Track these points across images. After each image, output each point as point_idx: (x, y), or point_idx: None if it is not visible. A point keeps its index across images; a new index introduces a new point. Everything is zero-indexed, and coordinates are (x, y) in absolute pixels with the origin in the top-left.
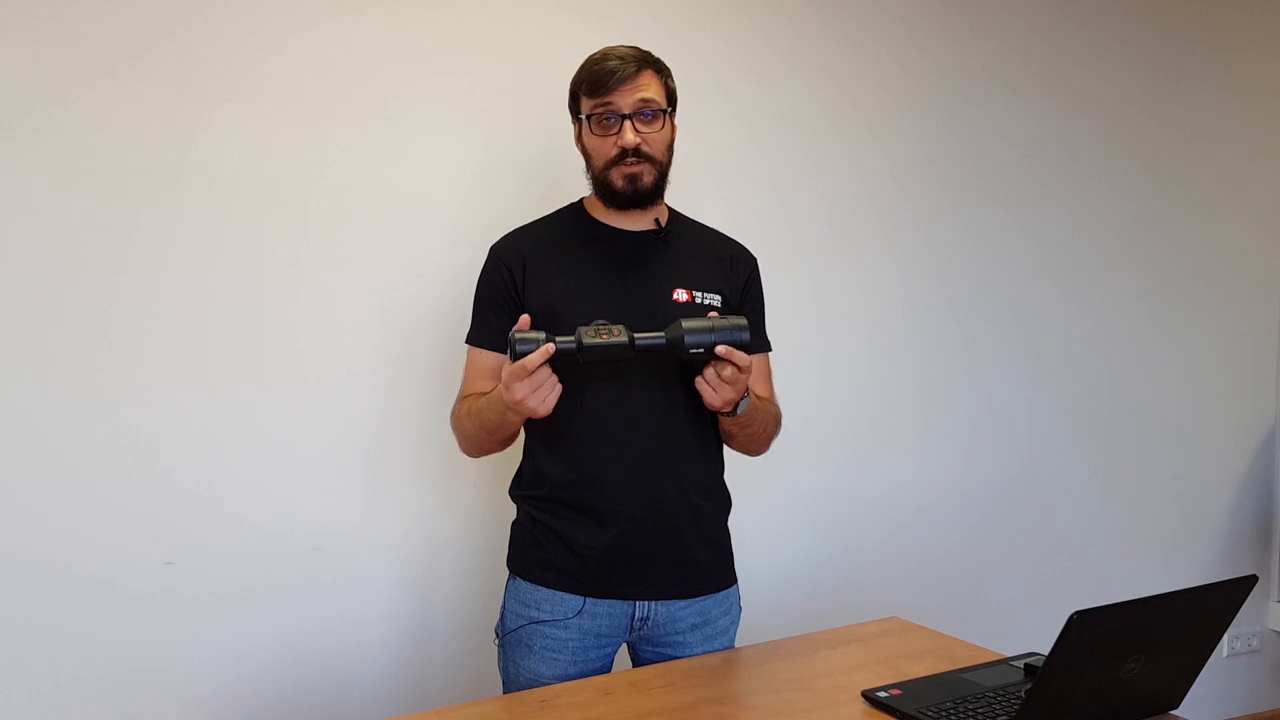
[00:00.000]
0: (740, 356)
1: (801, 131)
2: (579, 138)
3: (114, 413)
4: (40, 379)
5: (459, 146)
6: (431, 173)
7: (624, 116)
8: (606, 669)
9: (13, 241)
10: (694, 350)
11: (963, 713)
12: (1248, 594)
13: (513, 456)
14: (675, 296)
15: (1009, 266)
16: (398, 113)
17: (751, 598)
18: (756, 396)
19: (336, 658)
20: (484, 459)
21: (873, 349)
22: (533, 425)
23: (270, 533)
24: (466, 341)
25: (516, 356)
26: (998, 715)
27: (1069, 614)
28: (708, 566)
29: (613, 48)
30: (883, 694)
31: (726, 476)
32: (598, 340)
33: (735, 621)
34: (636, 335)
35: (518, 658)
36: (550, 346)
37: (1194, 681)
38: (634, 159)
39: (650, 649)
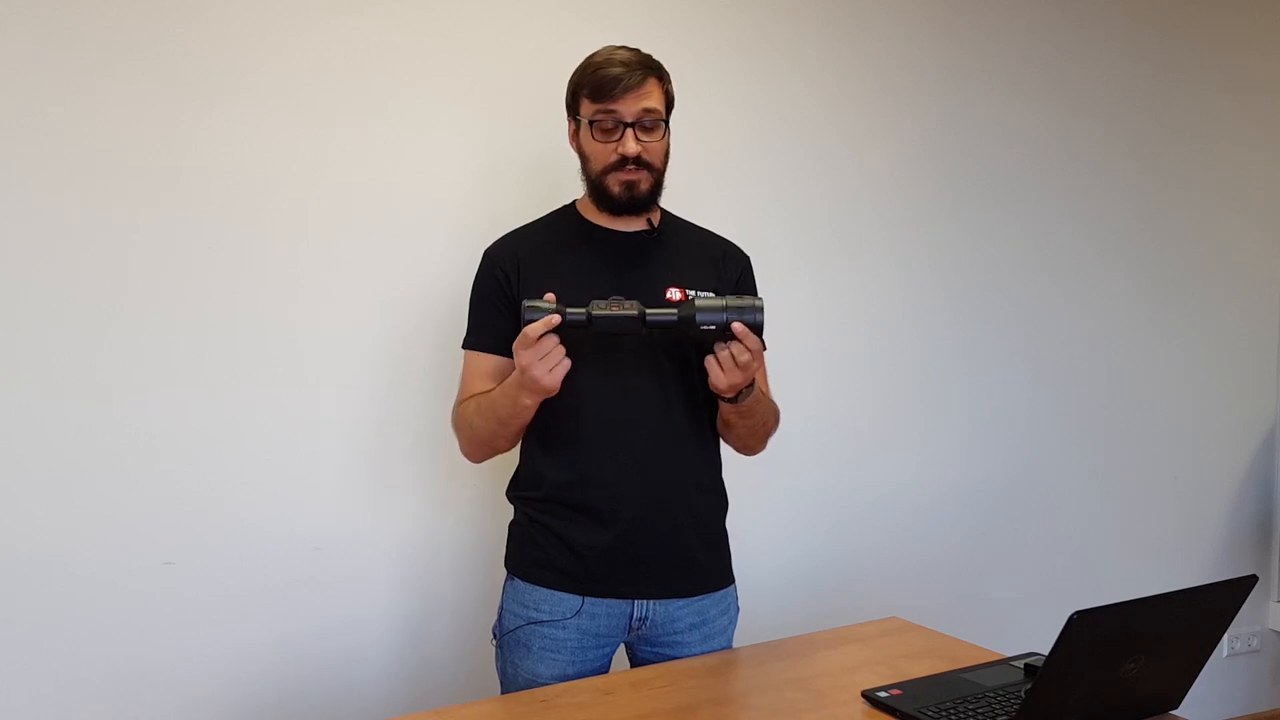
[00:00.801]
0: (753, 340)
1: (801, 131)
2: (574, 136)
3: (114, 413)
4: (40, 379)
5: (459, 146)
6: (431, 173)
7: (627, 125)
8: (605, 669)
9: (13, 241)
10: (705, 327)
11: (963, 713)
12: (1248, 594)
13: (511, 457)
14: (669, 295)
15: (1009, 266)
16: (398, 113)
17: (751, 598)
18: (758, 390)
19: (336, 658)
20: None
21: (873, 349)
22: (530, 427)
23: (270, 533)
24: (463, 346)
25: (525, 324)
26: (998, 715)
27: (1069, 614)
28: (707, 566)
29: (615, 50)
30: (883, 694)
31: (726, 476)
32: (608, 312)
33: (733, 621)
34: (649, 310)
35: (516, 658)
36: (555, 317)
37: (1194, 681)
38: (633, 166)
39: (649, 649)
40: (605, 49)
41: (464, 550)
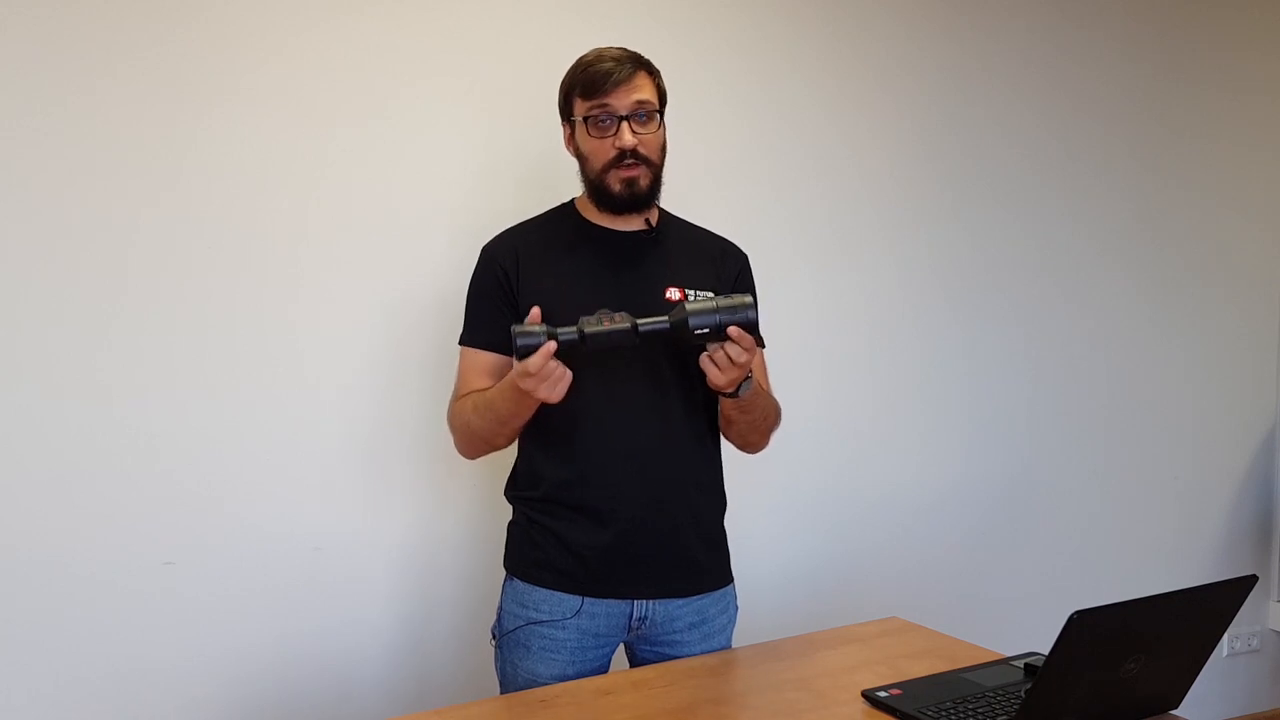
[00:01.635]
0: (748, 340)
1: (801, 131)
2: (570, 140)
3: (114, 413)
4: (40, 379)
5: (459, 146)
6: (431, 173)
7: (621, 118)
8: (604, 669)
9: (13, 241)
10: (699, 332)
11: (963, 713)
12: (1248, 594)
13: (510, 457)
14: (668, 295)
15: (1009, 266)
16: (398, 113)
17: (751, 598)
18: (757, 383)
19: (336, 658)
20: (482, 459)
21: (873, 349)
22: (529, 426)
23: (270, 533)
24: (460, 343)
25: (520, 354)
26: (998, 715)
27: (1069, 614)
28: (706, 565)
29: (604, 49)
30: (883, 694)
31: (727, 476)
32: (600, 329)
33: (732, 621)
34: (640, 321)
35: (515, 658)
36: (551, 345)
37: (1194, 681)
38: (631, 160)
39: (648, 648)
40: (594, 50)
41: (463, 550)
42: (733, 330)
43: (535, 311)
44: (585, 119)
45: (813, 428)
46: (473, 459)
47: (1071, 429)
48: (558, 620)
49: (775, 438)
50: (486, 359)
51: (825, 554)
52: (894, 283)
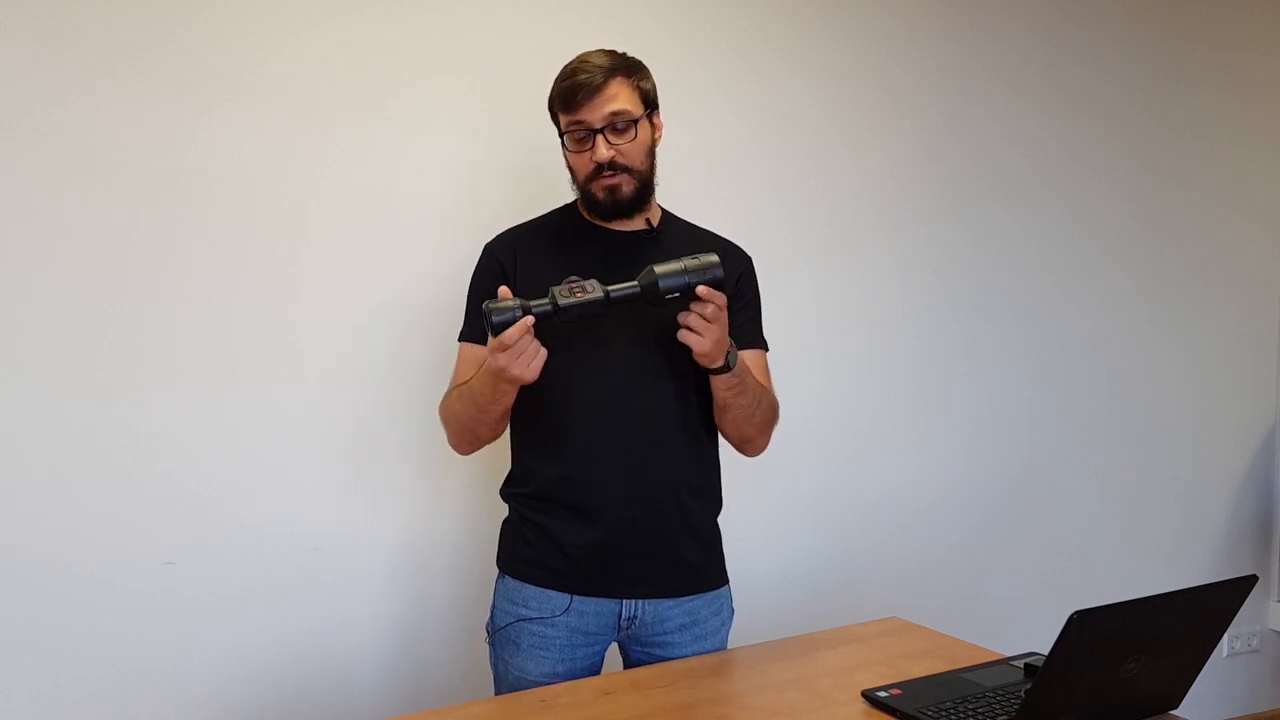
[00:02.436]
0: (719, 296)
1: (801, 131)
2: (562, 149)
3: (114, 413)
4: (40, 379)
5: (459, 147)
6: (432, 173)
7: (595, 131)
8: (596, 668)
9: (13, 241)
10: (670, 296)
11: (963, 713)
12: (1248, 594)
13: (506, 457)
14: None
15: (1009, 266)
16: (398, 113)
17: (750, 598)
18: (745, 366)
19: (336, 657)
20: (478, 457)
21: (873, 349)
22: (521, 424)
23: (270, 533)
24: (459, 339)
25: (495, 329)
26: (998, 715)
27: (1069, 614)
28: (697, 567)
29: (586, 56)
30: (883, 694)
31: (727, 476)
32: (573, 300)
33: (727, 623)
34: (610, 287)
35: (507, 655)
36: (528, 319)
37: (1194, 681)
38: (610, 172)
39: (639, 648)
40: (577, 57)
41: (461, 549)
42: (701, 290)
43: (505, 289)
44: (565, 133)
45: (813, 428)
46: (465, 454)
47: (1071, 429)
48: (547, 617)
49: (776, 438)
50: (482, 353)
51: (825, 554)
52: (894, 283)
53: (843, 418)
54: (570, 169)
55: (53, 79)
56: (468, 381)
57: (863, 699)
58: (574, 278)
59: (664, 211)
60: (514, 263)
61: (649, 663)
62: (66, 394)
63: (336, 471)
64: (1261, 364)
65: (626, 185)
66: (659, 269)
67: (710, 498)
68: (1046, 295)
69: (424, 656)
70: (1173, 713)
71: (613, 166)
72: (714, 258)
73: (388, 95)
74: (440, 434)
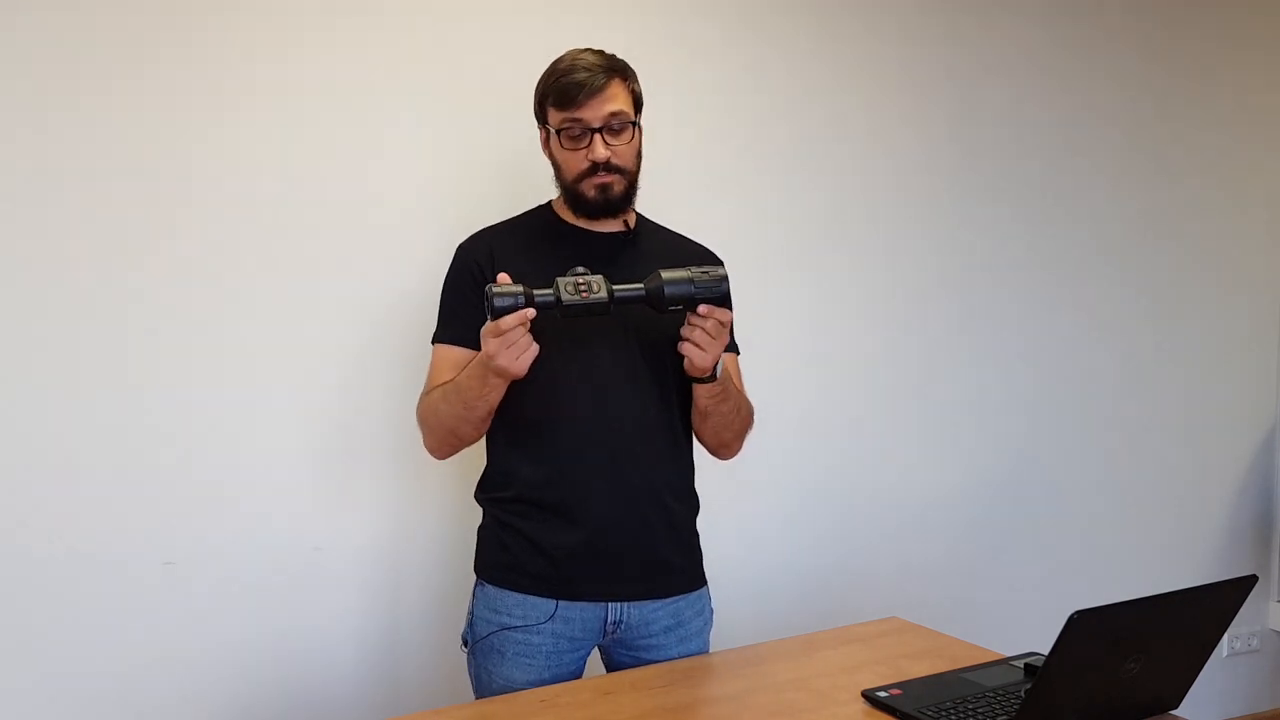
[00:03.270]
0: (722, 313)
1: (801, 131)
2: (545, 144)
3: (113, 412)
4: (40, 379)
5: (449, 144)
6: (422, 171)
7: (594, 130)
8: (579, 673)
9: (13, 241)
10: (673, 306)
11: (963, 713)
12: (1248, 594)
13: (482, 459)
14: None
15: (1009, 266)
16: (389, 110)
17: (750, 598)
18: (727, 372)
19: (336, 656)
20: (458, 459)
21: (872, 349)
22: (500, 424)
23: (269, 533)
24: (433, 340)
25: (495, 313)
26: (998, 715)
27: (1069, 614)
28: (679, 567)
29: (579, 55)
30: (883, 694)
31: (725, 476)
32: (577, 298)
33: (708, 623)
34: (615, 287)
35: (490, 665)
36: (529, 312)
37: (1194, 681)
38: (604, 171)
39: (624, 652)
40: (570, 53)
41: (450, 551)
42: (702, 309)
43: (504, 275)
44: (559, 130)
45: (811, 428)
46: (441, 458)
47: (1071, 429)
48: (532, 625)
49: (774, 438)
50: (458, 354)
51: (824, 554)
52: (894, 283)
53: (841, 418)
54: (557, 165)
55: (53, 79)
56: (453, 380)
57: (863, 699)
58: (581, 269)
59: (639, 215)
60: (490, 264)
61: (634, 666)
62: (66, 394)
63: (334, 472)
64: (1261, 364)
65: (618, 185)
66: (666, 275)
67: (690, 499)
68: (1046, 295)
69: (399, 661)
70: (1173, 713)
71: (607, 167)
72: (722, 271)
73: (380, 93)
74: (416, 436)
